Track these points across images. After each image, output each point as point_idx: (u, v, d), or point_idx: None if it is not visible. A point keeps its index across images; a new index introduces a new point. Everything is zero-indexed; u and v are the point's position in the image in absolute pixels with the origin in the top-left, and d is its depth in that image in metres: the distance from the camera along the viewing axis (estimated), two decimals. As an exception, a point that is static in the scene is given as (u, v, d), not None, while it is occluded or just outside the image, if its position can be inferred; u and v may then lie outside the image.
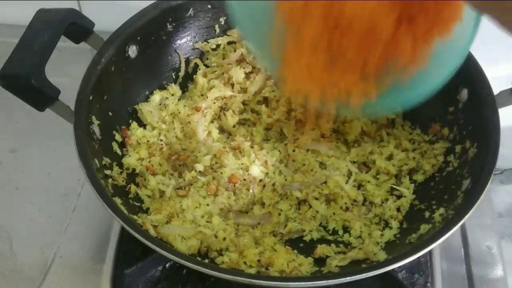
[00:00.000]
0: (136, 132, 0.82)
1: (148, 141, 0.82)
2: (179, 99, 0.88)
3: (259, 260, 0.69)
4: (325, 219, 0.76)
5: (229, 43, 0.91)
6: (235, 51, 0.90)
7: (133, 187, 0.74)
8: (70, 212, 0.85)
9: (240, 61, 0.89)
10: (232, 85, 0.87)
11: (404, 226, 0.73)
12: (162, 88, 0.88)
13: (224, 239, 0.71)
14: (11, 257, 0.81)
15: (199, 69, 0.90)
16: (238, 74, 0.86)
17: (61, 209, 0.86)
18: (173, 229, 0.68)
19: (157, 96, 0.86)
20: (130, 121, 0.83)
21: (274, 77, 0.80)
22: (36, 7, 0.72)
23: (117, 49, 0.77)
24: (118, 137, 0.80)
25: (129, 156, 0.79)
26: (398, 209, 0.75)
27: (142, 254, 0.73)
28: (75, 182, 0.88)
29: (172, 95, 0.88)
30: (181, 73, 0.90)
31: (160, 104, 0.86)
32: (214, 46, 0.90)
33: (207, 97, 0.86)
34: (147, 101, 0.86)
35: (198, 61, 0.90)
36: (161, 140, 0.83)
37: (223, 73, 0.88)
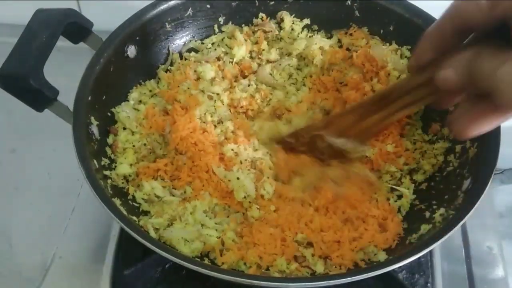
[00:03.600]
0: (119, 136, 0.78)
1: (134, 145, 0.78)
2: (153, 96, 0.84)
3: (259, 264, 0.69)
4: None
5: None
6: (215, 49, 0.88)
7: (131, 188, 0.73)
8: (69, 213, 0.85)
9: (218, 59, 0.87)
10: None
11: (405, 226, 0.72)
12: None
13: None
14: (11, 258, 0.81)
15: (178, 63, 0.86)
16: (207, 71, 0.84)
17: (60, 209, 0.86)
18: (176, 233, 0.68)
19: (135, 94, 0.83)
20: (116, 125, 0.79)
21: None
22: (35, 6, 0.72)
23: (116, 49, 0.76)
24: (117, 137, 0.79)
25: (121, 163, 0.75)
26: (399, 209, 0.75)
27: (142, 255, 0.73)
28: (75, 182, 0.88)
29: (150, 91, 0.84)
30: (163, 66, 0.86)
31: (140, 102, 0.83)
32: (209, 46, 0.89)
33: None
34: (126, 100, 0.82)
35: (176, 55, 0.87)
36: (145, 145, 0.78)
37: (195, 70, 0.85)
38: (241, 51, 0.87)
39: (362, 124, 0.68)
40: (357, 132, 0.70)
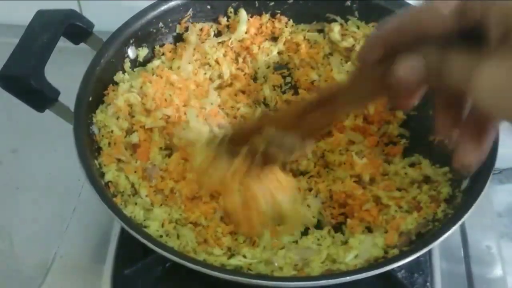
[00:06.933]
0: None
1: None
2: None
3: None
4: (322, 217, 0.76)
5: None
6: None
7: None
8: (70, 212, 0.85)
9: None
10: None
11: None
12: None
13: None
14: (12, 257, 0.81)
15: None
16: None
17: (61, 209, 0.86)
18: None
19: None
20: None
21: None
22: (36, 7, 0.72)
23: (117, 49, 0.77)
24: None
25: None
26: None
27: (142, 254, 0.73)
28: (75, 182, 0.88)
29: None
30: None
31: None
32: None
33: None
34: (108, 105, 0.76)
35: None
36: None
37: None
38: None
39: (304, 121, 0.55)
40: (297, 130, 0.56)
